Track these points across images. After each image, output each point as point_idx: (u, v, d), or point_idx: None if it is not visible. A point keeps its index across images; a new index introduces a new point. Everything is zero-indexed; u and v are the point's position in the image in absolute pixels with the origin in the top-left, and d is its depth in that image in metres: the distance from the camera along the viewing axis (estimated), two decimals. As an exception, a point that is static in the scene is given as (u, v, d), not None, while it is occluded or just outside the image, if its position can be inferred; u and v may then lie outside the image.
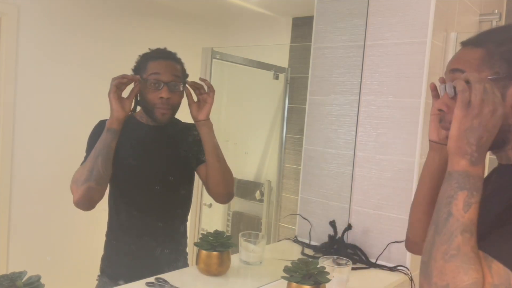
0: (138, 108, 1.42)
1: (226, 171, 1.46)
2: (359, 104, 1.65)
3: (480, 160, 0.72)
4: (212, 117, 1.55)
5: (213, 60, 2.17)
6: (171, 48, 1.44)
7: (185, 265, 1.51)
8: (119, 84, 1.26)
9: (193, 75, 2.19)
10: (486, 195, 0.83)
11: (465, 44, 0.83)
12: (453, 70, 0.82)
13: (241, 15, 2.34)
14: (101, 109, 1.66)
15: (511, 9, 2.01)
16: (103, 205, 1.36)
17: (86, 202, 1.25)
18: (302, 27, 2.33)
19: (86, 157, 1.31)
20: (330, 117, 1.75)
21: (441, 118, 0.86)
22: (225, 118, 2.50)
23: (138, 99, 1.39)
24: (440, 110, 0.85)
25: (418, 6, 1.51)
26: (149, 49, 1.42)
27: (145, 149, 1.42)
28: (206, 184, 1.48)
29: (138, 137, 1.42)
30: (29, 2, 1.53)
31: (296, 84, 2.41)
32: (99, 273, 1.42)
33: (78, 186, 1.24)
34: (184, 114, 1.46)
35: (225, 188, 1.48)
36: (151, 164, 1.42)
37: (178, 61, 1.42)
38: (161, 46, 1.44)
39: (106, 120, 1.32)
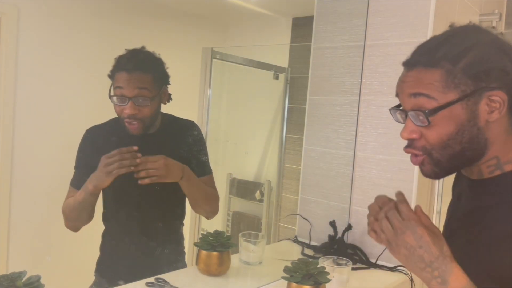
0: None
1: (210, 201, 1.50)
2: (359, 104, 1.65)
3: (445, 275, 0.69)
4: (212, 117, 1.56)
5: (213, 60, 2.17)
6: (171, 48, 1.43)
7: (184, 265, 1.51)
8: (120, 164, 1.23)
9: (193, 75, 2.20)
10: (466, 214, 0.81)
11: (411, 64, 0.76)
12: (416, 94, 0.74)
13: (241, 15, 2.34)
14: (101, 108, 1.66)
15: (511, 9, 2.01)
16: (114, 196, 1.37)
17: (75, 230, 1.35)
18: (302, 27, 2.33)
19: (75, 174, 1.33)
20: (330, 117, 1.74)
21: (410, 144, 0.78)
22: (225, 118, 2.50)
23: None
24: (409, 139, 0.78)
25: (418, 6, 1.51)
26: (125, 49, 1.34)
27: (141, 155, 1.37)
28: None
29: (129, 145, 1.35)
30: (29, 2, 1.53)
31: (296, 84, 2.41)
32: (95, 273, 1.42)
33: (68, 219, 1.33)
34: (180, 109, 1.44)
35: (208, 211, 1.54)
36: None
37: (149, 69, 1.32)
38: (159, 45, 1.41)
39: (92, 128, 1.33)
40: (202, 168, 1.50)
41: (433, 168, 0.77)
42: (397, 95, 0.79)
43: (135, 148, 1.23)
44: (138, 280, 1.25)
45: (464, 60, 0.71)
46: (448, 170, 0.78)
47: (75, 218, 1.31)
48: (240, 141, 2.56)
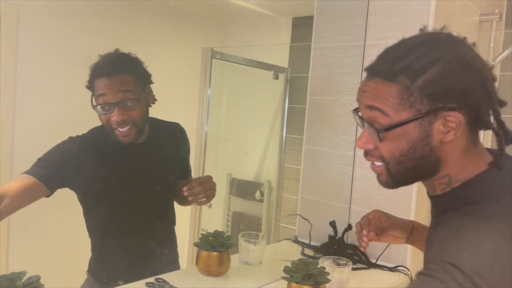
0: None
1: None
2: (359, 104, 1.65)
3: None
4: (212, 117, 1.56)
5: (213, 60, 2.17)
6: (171, 48, 1.43)
7: (178, 266, 1.50)
8: None
9: (193, 75, 2.20)
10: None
11: (372, 73, 0.73)
12: (372, 107, 0.72)
13: (241, 15, 2.34)
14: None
15: (511, 9, 2.01)
16: (103, 206, 1.36)
17: None
18: (302, 27, 2.33)
19: (38, 163, 1.19)
20: (330, 117, 1.74)
21: (367, 152, 0.77)
22: (225, 118, 2.50)
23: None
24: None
25: (418, 6, 1.51)
26: (99, 55, 1.26)
27: (124, 169, 1.34)
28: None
29: (116, 157, 1.32)
30: (29, 2, 1.53)
31: (296, 84, 2.41)
32: (87, 272, 1.40)
33: None
34: (180, 109, 1.43)
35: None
36: (129, 183, 1.35)
37: (129, 69, 1.26)
38: (159, 45, 1.39)
39: (76, 138, 1.25)
40: (187, 171, 1.52)
41: (388, 179, 0.77)
42: (357, 100, 0.77)
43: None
44: (136, 280, 1.25)
45: (423, 77, 0.67)
46: (401, 183, 0.77)
47: None
48: (240, 141, 2.56)
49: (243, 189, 2.48)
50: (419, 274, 0.63)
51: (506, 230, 0.62)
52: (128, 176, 1.35)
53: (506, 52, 1.83)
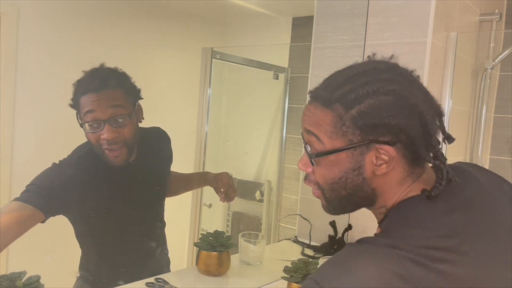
0: None
1: None
2: (359, 104, 1.65)
3: None
4: (212, 117, 1.55)
5: (213, 60, 2.17)
6: (171, 48, 1.42)
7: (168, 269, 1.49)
8: None
9: (193, 75, 2.20)
10: None
11: (313, 97, 0.72)
12: (308, 131, 0.72)
13: (241, 15, 2.34)
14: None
15: (511, 9, 2.01)
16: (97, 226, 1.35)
17: None
18: (302, 27, 2.33)
19: (29, 189, 1.11)
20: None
21: (306, 176, 0.77)
22: (225, 118, 2.50)
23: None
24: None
25: (418, 6, 1.51)
26: (83, 71, 1.18)
27: (115, 192, 1.29)
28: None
29: (106, 181, 1.25)
30: (29, 2, 1.53)
31: (296, 84, 2.41)
32: (79, 275, 1.36)
33: None
34: (180, 109, 1.42)
35: None
36: (121, 205, 1.32)
37: (118, 84, 1.18)
38: (159, 45, 1.38)
39: (63, 164, 1.17)
40: (168, 174, 1.50)
41: (327, 205, 0.77)
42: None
43: None
44: (137, 280, 1.25)
45: (357, 108, 0.66)
46: (340, 210, 0.77)
47: None
48: (240, 141, 2.56)
49: (243, 189, 2.48)
50: None
51: (382, 261, 0.61)
52: (123, 192, 1.31)
53: (506, 52, 1.83)
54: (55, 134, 1.67)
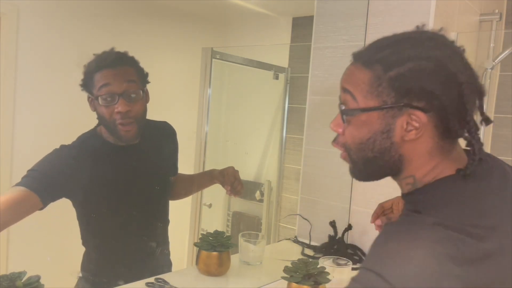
0: None
1: None
2: (359, 104, 1.65)
3: None
4: (212, 117, 1.55)
5: (213, 60, 2.17)
6: (171, 48, 1.43)
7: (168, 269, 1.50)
8: None
9: (193, 75, 2.20)
10: None
11: (355, 58, 0.74)
12: (345, 90, 0.73)
13: (241, 15, 2.34)
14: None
15: (511, 9, 2.01)
16: (101, 210, 1.35)
17: None
18: (302, 27, 2.33)
19: (30, 174, 1.13)
20: (330, 117, 1.74)
21: (335, 138, 0.78)
22: (225, 118, 2.50)
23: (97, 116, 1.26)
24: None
25: (418, 6, 1.51)
26: (94, 54, 1.24)
27: (118, 174, 1.32)
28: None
29: (109, 162, 1.28)
30: (29, 2, 1.53)
31: (296, 84, 2.41)
32: (81, 275, 1.37)
33: None
34: (180, 109, 1.42)
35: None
36: (124, 188, 1.34)
37: (130, 63, 1.25)
38: (159, 44, 1.39)
39: (67, 147, 1.20)
40: (175, 168, 1.53)
41: (353, 167, 0.77)
42: None
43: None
44: (138, 280, 1.25)
45: (396, 70, 0.67)
46: (365, 175, 0.77)
47: None
48: (240, 141, 2.56)
49: (243, 189, 2.48)
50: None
51: (435, 245, 0.61)
52: (126, 178, 1.33)
53: (506, 52, 1.83)
54: (55, 134, 1.66)
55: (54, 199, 1.16)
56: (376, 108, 0.69)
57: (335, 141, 0.78)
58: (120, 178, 1.31)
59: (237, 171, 1.40)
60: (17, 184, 1.11)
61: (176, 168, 1.55)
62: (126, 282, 1.26)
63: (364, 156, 0.73)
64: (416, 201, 0.71)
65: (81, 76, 1.26)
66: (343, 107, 0.73)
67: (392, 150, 0.70)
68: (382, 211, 1.11)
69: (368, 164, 0.74)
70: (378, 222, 1.07)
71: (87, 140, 1.26)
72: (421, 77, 0.66)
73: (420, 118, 0.67)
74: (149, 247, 1.42)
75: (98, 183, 1.26)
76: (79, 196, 1.24)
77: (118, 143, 1.27)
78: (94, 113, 1.32)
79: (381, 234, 0.68)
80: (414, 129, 0.67)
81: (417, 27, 0.75)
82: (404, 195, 0.75)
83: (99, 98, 1.17)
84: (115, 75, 1.18)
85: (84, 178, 1.23)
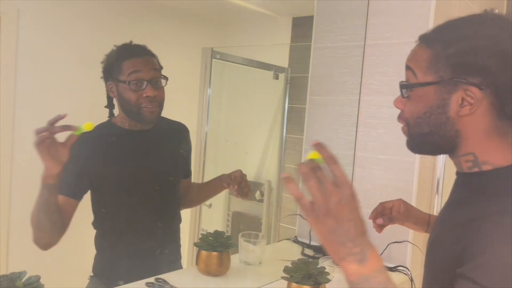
0: (116, 112, 1.38)
1: None
2: (359, 104, 1.65)
3: (365, 253, 0.63)
4: (212, 117, 1.55)
5: (213, 60, 2.17)
6: (171, 48, 1.43)
7: (179, 266, 1.51)
8: (43, 140, 1.00)
9: (193, 75, 2.20)
10: (447, 208, 0.82)
11: (420, 39, 0.79)
12: (408, 67, 0.79)
13: (241, 15, 2.34)
14: (101, 108, 1.65)
15: (511, 9, 2.01)
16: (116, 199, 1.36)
17: (41, 246, 1.19)
18: (302, 27, 2.33)
19: (63, 178, 1.12)
20: (330, 117, 1.74)
21: (399, 114, 0.82)
22: (225, 118, 2.50)
23: (113, 103, 1.35)
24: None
25: (418, 6, 1.51)
26: (115, 46, 1.33)
27: (131, 157, 1.36)
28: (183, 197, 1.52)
29: (123, 145, 1.35)
30: (29, 2, 1.53)
31: (296, 84, 2.41)
32: (92, 274, 1.40)
33: (32, 227, 1.14)
34: (180, 109, 1.44)
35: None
36: (137, 171, 1.37)
37: (153, 54, 1.35)
38: (159, 45, 1.41)
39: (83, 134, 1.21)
40: (188, 171, 1.56)
41: (409, 141, 0.81)
42: None
43: (64, 114, 1.06)
44: (138, 280, 1.25)
45: (454, 47, 0.71)
46: (422, 148, 0.81)
47: (36, 225, 1.12)
48: (240, 141, 2.56)
49: (243, 189, 2.48)
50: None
51: None
52: (139, 163, 1.37)
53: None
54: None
55: (85, 191, 1.28)
56: (433, 83, 0.73)
57: (398, 117, 0.82)
58: (133, 160, 1.36)
59: (245, 175, 1.46)
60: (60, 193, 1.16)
61: (188, 171, 1.56)
62: (126, 282, 1.26)
63: (421, 130, 0.77)
64: (498, 185, 0.72)
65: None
66: (404, 83, 0.78)
67: (447, 125, 0.74)
68: (382, 210, 1.13)
69: (424, 138, 0.77)
70: (380, 221, 1.09)
71: (102, 127, 1.33)
72: (476, 54, 0.70)
73: (474, 93, 0.70)
74: (149, 245, 1.42)
75: (113, 166, 1.31)
76: (97, 182, 1.30)
77: (133, 128, 1.34)
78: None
79: (483, 232, 0.66)
80: (468, 104, 0.70)
81: (485, 10, 0.82)
82: (466, 174, 0.77)
83: (129, 83, 1.26)
84: (144, 63, 1.29)
85: (100, 162, 1.30)
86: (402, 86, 0.78)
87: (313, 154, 0.67)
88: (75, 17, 1.66)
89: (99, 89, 1.64)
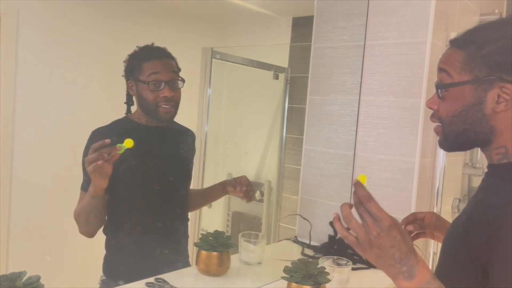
0: (134, 109, 1.41)
1: None
2: (359, 104, 1.65)
3: (413, 270, 0.72)
4: (212, 117, 1.54)
5: (213, 60, 2.17)
6: (171, 48, 1.44)
7: (186, 265, 1.51)
8: (97, 168, 1.13)
9: (193, 75, 2.20)
10: (478, 199, 0.85)
11: (452, 43, 0.83)
12: (440, 69, 0.82)
13: (241, 15, 2.34)
14: (101, 108, 1.66)
15: (511, 9, 2.01)
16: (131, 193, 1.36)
17: (89, 236, 1.33)
18: (302, 27, 2.33)
19: (84, 177, 1.29)
20: (330, 117, 1.74)
21: (432, 113, 0.86)
22: (225, 118, 2.50)
23: (131, 101, 1.40)
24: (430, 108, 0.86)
25: (418, 6, 1.51)
26: (137, 47, 1.40)
27: (146, 150, 1.40)
28: None
29: (138, 139, 1.35)
30: (29, 2, 1.53)
31: (296, 84, 2.41)
32: (102, 274, 1.40)
33: (79, 224, 1.30)
34: (180, 109, 1.46)
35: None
36: (151, 164, 1.40)
37: (172, 57, 1.42)
38: (159, 45, 1.42)
39: (98, 129, 1.32)
40: (190, 174, 1.55)
41: (443, 140, 0.85)
42: None
43: (108, 141, 1.15)
44: (138, 280, 1.25)
45: (488, 48, 0.75)
46: (455, 145, 0.85)
47: (84, 223, 1.29)
48: (240, 141, 2.56)
49: (243, 189, 2.48)
50: None
51: None
52: (154, 158, 1.41)
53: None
54: (55, 134, 1.67)
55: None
56: (469, 82, 0.77)
57: (432, 117, 0.86)
58: (144, 153, 1.38)
59: (249, 180, 1.54)
60: (83, 189, 1.30)
61: (190, 174, 1.57)
62: (126, 282, 1.26)
63: (456, 129, 0.81)
64: None
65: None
66: (440, 84, 0.81)
67: (483, 121, 0.78)
68: (413, 220, 1.15)
69: (459, 136, 0.81)
70: (410, 227, 1.12)
71: (119, 122, 1.40)
72: (510, 53, 0.74)
73: (510, 90, 0.74)
74: (149, 245, 1.42)
75: (131, 159, 1.33)
76: (116, 175, 1.30)
77: (149, 124, 1.39)
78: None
79: None
80: (504, 101, 0.75)
81: None
82: (497, 165, 0.81)
83: (148, 83, 1.33)
84: (163, 65, 1.35)
85: (122, 155, 1.29)
86: (439, 86, 0.81)
87: (361, 177, 0.78)
88: (74, 17, 1.66)
89: (98, 88, 1.64)
